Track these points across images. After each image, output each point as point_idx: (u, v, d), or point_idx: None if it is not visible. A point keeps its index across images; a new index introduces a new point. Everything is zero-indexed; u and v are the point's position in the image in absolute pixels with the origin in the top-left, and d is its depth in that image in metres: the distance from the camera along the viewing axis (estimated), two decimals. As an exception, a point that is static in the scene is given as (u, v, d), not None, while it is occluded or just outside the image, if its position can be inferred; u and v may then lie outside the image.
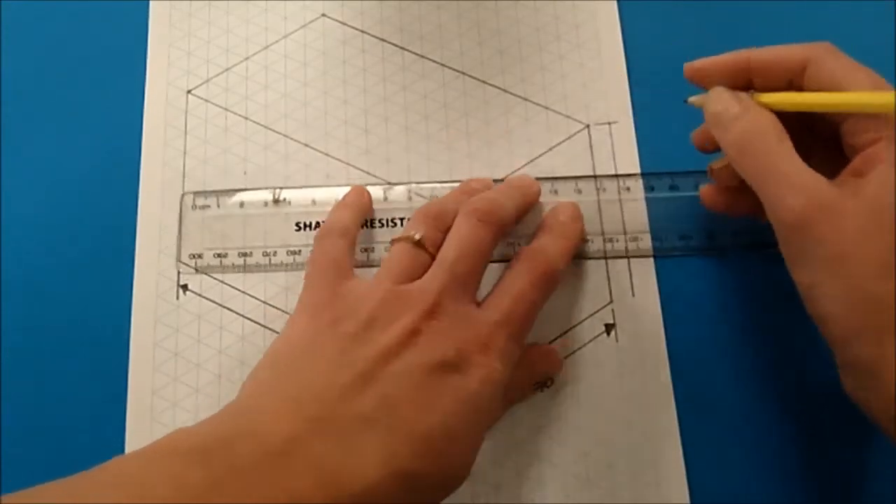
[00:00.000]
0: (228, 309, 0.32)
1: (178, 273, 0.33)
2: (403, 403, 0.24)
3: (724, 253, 0.32)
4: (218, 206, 0.33)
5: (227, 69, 0.36)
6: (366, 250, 0.32)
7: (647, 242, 0.32)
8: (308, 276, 0.29)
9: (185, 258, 0.33)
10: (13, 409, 0.31)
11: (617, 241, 0.32)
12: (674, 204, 0.33)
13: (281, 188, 0.33)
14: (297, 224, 0.33)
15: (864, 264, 0.23)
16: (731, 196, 0.30)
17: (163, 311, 0.32)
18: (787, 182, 0.25)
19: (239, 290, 0.33)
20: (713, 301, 0.32)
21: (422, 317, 0.25)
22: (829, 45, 0.26)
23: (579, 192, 0.33)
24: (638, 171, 0.34)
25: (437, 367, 0.24)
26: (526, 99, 0.35)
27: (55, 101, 0.36)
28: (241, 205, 0.33)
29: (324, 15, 0.37)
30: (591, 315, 0.32)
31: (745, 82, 0.28)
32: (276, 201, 0.33)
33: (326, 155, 0.35)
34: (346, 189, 0.33)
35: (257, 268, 0.33)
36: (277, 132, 0.35)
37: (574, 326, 0.32)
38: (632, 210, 0.33)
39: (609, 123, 0.35)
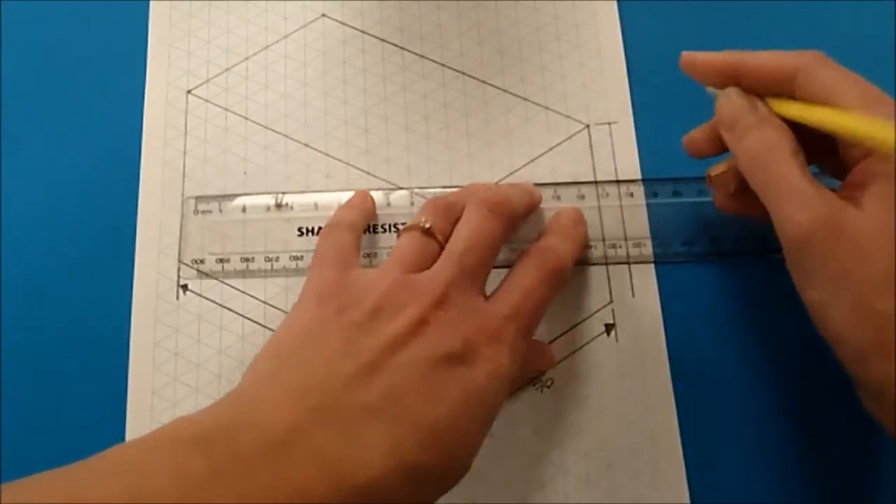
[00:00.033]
0: (228, 309, 0.32)
1: (179, 273, 0.33)
2: (410, 394, 0.23)
3: (726, 257, 0.32)
4: (220, 210, 0.33)
5: (227, 69, 0.36)
6: (368, 255, 0.32)
7: (649, 248, 0.32)
8: (313, 265, 0.28)
9: (187, 263, 0.33)
10: (13, 408, 0.31)
11: (619, 246, 0.32)
12: (677, 210, 0.33)
13: (283, 193, 0.33)
14: (299, 229, 0.33)
15: (868, 281, 0.23)
16: (741, 198, 0.29)
17: (163, 311, 0.32)
18: (796, 197, 0.24)
19: (239, 290, 0.32)
20: (713, 301, 0.32)
21: (429, 307, 0.25)
22: (820, 53, 0.26)
23: (582, 197, 0.33)
24: (638, 170, 0.34)
25: (444, 358, 0.24)
26: (526, 99, 0.35)
27: (55, 101, 0.36)
28: (244, 209, 0.33)
29: (324, 15, 0.37)
30: (591, 315, 0.32)
31: (734, 84, 0.27)
32: (278, 206, 0.33)
33: (326, 155, 0.35)
34: (349, 194, 0.33)
35: (260, 273, 0.32)
36: (277, 132, 0.35)
37: (574, 326, 0.32)
38: (634, 216, 0.33)
39: (609, 123, 0.35)
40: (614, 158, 0.34)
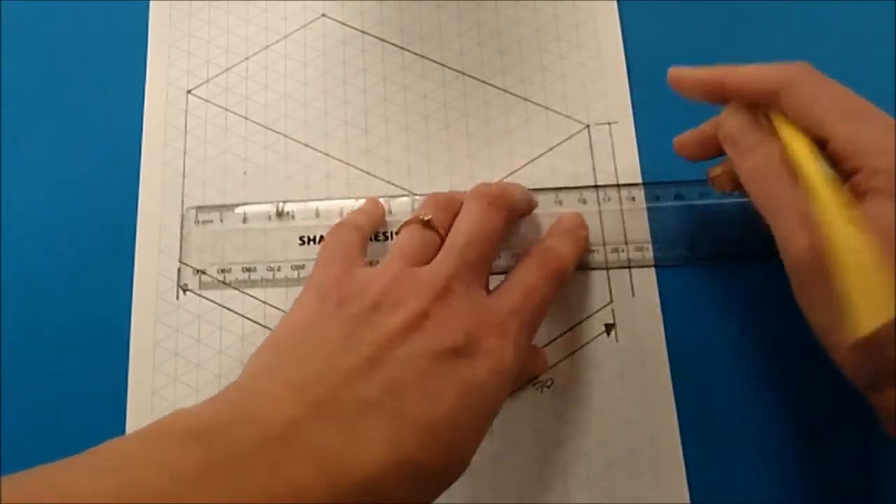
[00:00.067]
0: (228, 309, 0.32)
1: (179, 273, 0.33)
2: (410, 389, 0.23)
3: (726, 260, 0.32)
4: (221, 220, 0.33)
5: (227, 69, 0.36)
6: (371, 263, 0.32)
7: (650, 252, 0.32)
8: (317, 262, 0.28)
9: (188, 274, 0.33)
10: (13, 408, 0.31)
11: (621, 251, 0.32)
12: (679, 213, 0.33)
13: (284, 202, 0.33)
14: (300, 238, 0.33)
15: None
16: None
17: (163, 311, 0.32)
18: (799, 218, 0.24)
19: (239, 290, 0.33)
20: (713, 301, 0.32)
21: (431, 300, 0.25)
22: (806, 66, 0.25)
23: (584, 202, 0.33)
24: (638, 170, 0.34)
25: (445, 352, 0.24)
26: (526, 99, 0.35)
27: (55, 101, 0.36)
28: (244, 219, 0.33)
29: (324, 15, 0.37)
30: (591, 315, 0.32)
31: (720, 99, 0.27)
32: (279, 214, 0.33)
33: (326, 155, 0.35)
34: (350, 202, 0.33)
35: (261, 283, 0.32)
36: (277, 132, 0.35)
37: (574, 326, 0.32)
38: (636, 220, 0.33)
39: (609, 123, 0.35)
40: (614, 158, 0.34)
